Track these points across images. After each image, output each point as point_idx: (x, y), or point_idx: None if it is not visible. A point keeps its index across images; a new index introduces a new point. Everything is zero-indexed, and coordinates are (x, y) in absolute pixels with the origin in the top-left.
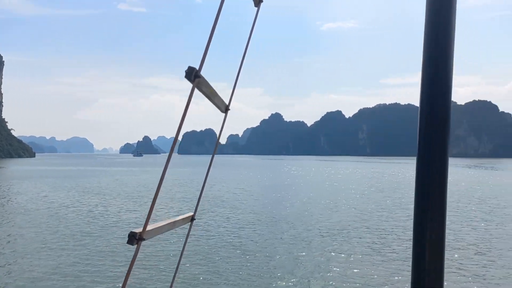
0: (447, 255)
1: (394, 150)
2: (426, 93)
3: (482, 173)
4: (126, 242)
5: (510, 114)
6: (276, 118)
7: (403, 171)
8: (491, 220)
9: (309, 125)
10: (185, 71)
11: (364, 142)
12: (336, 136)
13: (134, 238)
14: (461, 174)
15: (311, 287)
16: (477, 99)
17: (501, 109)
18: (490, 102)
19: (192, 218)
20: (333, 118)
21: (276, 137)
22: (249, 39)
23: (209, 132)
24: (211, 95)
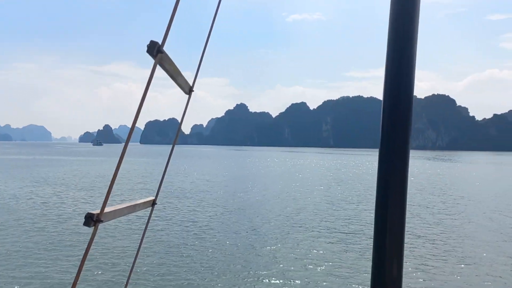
0: (407, 245)
1: (357, 142)
2: (389, 87)
3: (441, 165)
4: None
5: (466, 108)
6: (241, 108)
7: (365, 163)
8: (451, 211)
9: (274, 116)
10: (147, 45)
11: (328, 133)
12: (301, 127)
13: (91, 220)
14: (421, 166)
15: (267, 274)
16: (436, 93)
17: (458, 103)
18: (448, 96)
19: (153, 203)
20: (297, 110)
21: (240, 128)
22: (213, 22)
23: (172, 122)
24: (175, 73)
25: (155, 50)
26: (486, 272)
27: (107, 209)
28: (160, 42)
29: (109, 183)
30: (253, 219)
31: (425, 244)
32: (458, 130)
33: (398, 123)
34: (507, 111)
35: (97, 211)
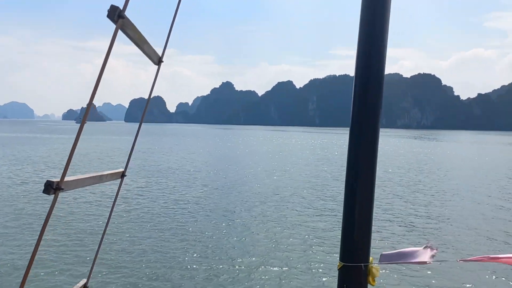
0: (381, 222)
1: (342, 121)
2: (361, 65)
3: (424, 144)
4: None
5: (451, 88)
6: (226, 87)
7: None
8: (426, 188)
9: (260, 95)
10: (108, 10)
11: (314, 113)
12: (287, 106)
13: (51, 188)
14: (406, 144)
15: (236, 252)
16: (421, 72)
17: (443, 82)
18: (434, 75)
19: (122, 174)
20: (284, 88)
21: (226, 107)
22: None
23: (158, 100)
24: (140, 41)
25: (115, 15)
26: (452, 245)
27: (69, 178)
28: (121, 7)
29: (69, 152)
30: (230, 196)
31: (397, 219)
32: (443, 109)
33: (369, 101)
34: (491, 91)
35: (57, 179)
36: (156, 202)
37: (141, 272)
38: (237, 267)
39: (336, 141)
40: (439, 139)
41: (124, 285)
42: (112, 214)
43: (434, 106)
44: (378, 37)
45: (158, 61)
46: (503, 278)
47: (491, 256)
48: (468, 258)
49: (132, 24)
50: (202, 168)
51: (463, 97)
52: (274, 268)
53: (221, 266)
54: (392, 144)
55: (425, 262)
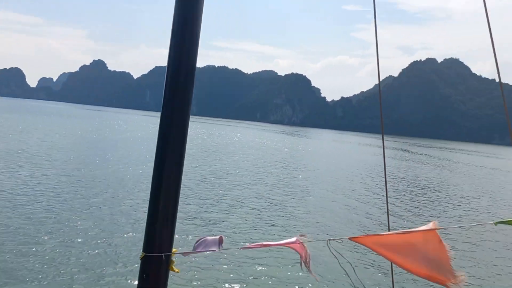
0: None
1: (220, 112)
2: (173, 56)
3: (296, 140)
4: None
5: (319, 89)
6: (98, 65)
7: (231, 133)
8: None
9: (135, 77)
10: None
11: (192, 101)
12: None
13: None
14: (281, 139)
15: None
16: (294, 72)
17: (313, 84)
18: (305, 76)
19: None
20: (161, 73)
21: (97, 87)
22: None
23: (15, 72)
24: None
25: None
26: (238, 234)
27: None
28: None
29: None
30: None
31: (206, 211)
32: (311, 108)
33: (180, 91)
34: (352, 95)
35: None
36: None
37: None
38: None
39: (213, 131)
40: (307, 136)
41: None
42: None
43: (304, 105)
44: (191, 30)
45: None
46: (277, 261)
47: (264, 243)
48: (247, 246)
49: None
50: (59, 153)
51: (329, 99)
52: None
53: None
54: (271, 138)
55: (214, 250)
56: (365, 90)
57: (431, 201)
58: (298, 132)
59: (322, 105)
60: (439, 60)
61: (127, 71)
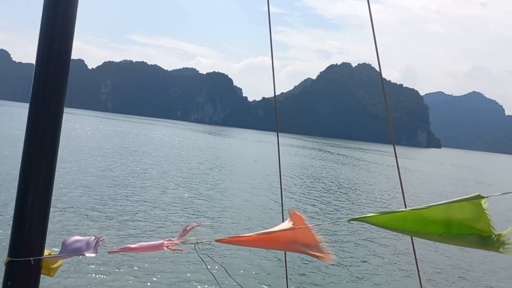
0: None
1: (137, 109)
2: (42, 48)
3: (219, 139)
4: None
5: (241, 89)
6: (1, 55)
7: (151, 132)
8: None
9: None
10: None
11: (107, 97)
12: (76, 87)
13: None
14: (201, 138)
15: None
16: (216, 71)
17: (234, 83)
18: (227, 75)
19: None
20: (73, 67)
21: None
22: None
23: None
24: None
25: None
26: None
27: None
28: None
29: None
30: None
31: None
32: (233, 108)
33: (52, 85)
34: (272, 96)
35: None
36: None
37: None
38: None
39: (131, 130)
40: (229, 135)
41: None
42: None
43: (225, 104)
44: (64, 14)
45: None
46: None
47: (132, 246)
48: (115, 250)
49: None
50: None
51: (250, 99)
52: None
53: None
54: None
55: (86, 253)
56: (285, 92)
57: (319, 199)
58: (220, 131)
59: (243, 105)
60: (354, 64)
61: (33, 63)
